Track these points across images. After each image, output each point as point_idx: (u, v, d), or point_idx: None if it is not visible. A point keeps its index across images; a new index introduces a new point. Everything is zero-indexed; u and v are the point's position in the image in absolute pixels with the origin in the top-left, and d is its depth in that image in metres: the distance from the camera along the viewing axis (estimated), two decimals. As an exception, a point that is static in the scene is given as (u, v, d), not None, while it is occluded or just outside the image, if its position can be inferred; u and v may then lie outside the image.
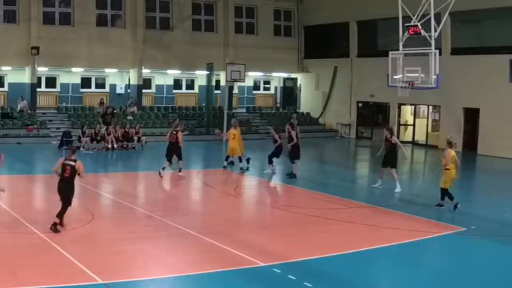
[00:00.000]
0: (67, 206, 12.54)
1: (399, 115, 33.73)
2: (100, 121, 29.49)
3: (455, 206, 15.22)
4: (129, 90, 34.96)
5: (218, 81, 36.06)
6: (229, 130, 22.45)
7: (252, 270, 10.44)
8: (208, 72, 34.46)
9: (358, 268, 10.90)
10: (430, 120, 32.66)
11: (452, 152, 15.21)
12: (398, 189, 18.21)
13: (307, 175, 21.68)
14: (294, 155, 20.74)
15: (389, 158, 18.36)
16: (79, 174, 12.68)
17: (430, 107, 32.50)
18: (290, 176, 20.38)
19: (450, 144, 15.33)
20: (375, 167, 26.77)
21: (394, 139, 18.60)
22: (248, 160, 21.79)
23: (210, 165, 21.97)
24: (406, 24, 21.53)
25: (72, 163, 12.60)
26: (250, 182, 20.64)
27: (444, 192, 15.34)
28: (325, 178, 21.79)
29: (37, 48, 30.48)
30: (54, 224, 12.25)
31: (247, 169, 21.49)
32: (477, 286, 10.34)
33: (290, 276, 10.06)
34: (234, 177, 20.80)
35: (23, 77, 31.98)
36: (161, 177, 19.35)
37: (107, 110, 30.25)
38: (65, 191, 12.60)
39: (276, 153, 21.04)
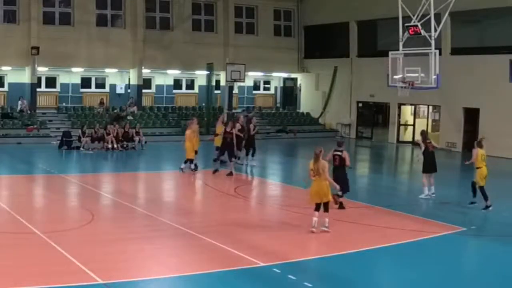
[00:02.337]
0: (345, 191, 14.55)
1: (399, 115, 33.75)
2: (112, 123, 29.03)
3: (487, 206, 15.44)
4: (129, 90, 34.95)
5: (218, 81, 36.06)
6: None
7: (252, 270, 10.43)
8: (208, 72, 34.46)
9: (358, 268, 10.90)
10: (430, 120, 32.67)
11: (480, 151, 15.44)
12: (424, 195, 17.40)
13: (307, 175, 21.58)
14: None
15: (424, 162, 17.81)
16: (345, 163, 14.45)
17: (430, 107, 32.51)
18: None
19: (479, 144, 15.51)
20: (375, 167, 26.92)
21: (421, 144, 17.75)
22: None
23: (209, 165, 21.92)
24: (406, 24, 21.54)
25: (339, 153, 14.58)
26: (250, 182, 20.63)
27: (481, 190, 15.54)
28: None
29: (37, 48, 30.50)
30: (339, 203, 14.72)
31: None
32: (477, 286, 10.34)
33: (290, 276, 10.06)
34: (234, 177, 20.77)
35: (23, 77, 32.00)
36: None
37: (121, 113, 30.44)
38: (340, 177, 14.29)
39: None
